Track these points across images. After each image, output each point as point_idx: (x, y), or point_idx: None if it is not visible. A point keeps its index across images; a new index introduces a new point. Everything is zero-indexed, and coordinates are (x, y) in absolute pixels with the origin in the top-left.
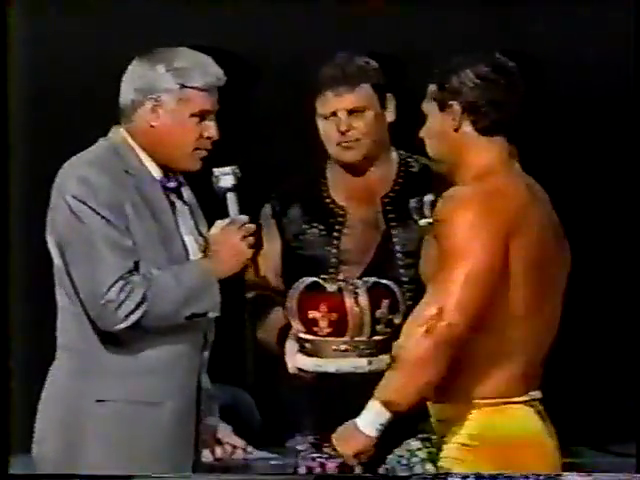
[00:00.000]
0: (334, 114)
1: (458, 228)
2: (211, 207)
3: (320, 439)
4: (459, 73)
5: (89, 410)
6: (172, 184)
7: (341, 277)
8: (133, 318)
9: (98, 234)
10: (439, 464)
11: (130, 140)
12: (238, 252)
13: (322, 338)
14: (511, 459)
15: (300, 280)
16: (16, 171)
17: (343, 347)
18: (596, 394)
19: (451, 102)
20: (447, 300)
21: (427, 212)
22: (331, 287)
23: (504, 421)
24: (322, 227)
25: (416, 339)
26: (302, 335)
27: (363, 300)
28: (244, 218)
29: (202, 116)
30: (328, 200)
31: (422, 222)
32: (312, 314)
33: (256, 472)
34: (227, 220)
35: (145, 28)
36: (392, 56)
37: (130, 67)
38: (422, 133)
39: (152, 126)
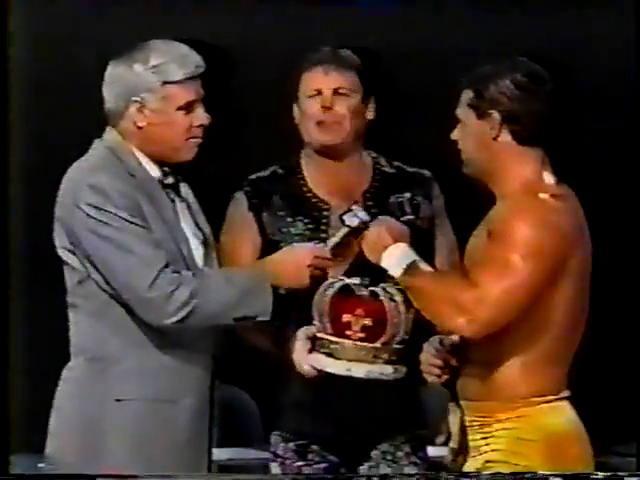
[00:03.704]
0: (319, 92)
1: (515, 242)
2: (210, 204)
3: (303, 445)
4: (497, 82)
5: (108, 409)
6: (170, 180)
7: (366, 281)
8: (183, 312)
9: (126, 233)
10: (487, 457)
11: (125, 141)
12: (299, 274)
13: (354, 342)
14: (562, 454)
15: (329, 281)
16: (16, 171)
17: (374, 353)
18: (596, 394)
19: (490, 111)
20: (480, 308)
21: (407, 209)
22: (363, 291)
23: (555, 417)
24: (307, 221)
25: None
26: (327, 336)
27: (402, 308)
28: (329, 254)
29: (189, 107)
30: (310, 194)
31: (404, 218)
32: (346, 317)
33: (256, 472)
34: (315, 243)
35: (145, 26)
36: (377, 55)
37: (107, 71)
38: (455, 136)
39: (140, 127)
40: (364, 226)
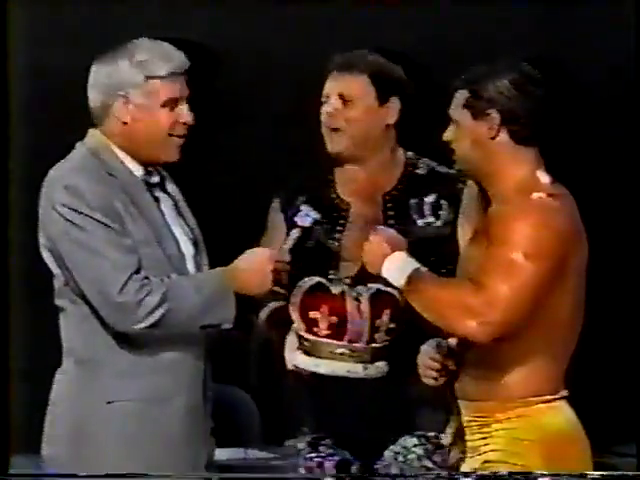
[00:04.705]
0: (328, 98)
1: (517, 242)
2: (198, 201)
3: (317, 438)
4: (495, 81)
5: (100, 412)
6: (155, 179)
7: (347, 280)
8: (152, 318)
9: (98, 237)
10: (486, 457)
11: (107, 141)
12: (261, 279)
13: (320, 339)
14: (560, 454)
15: (305, 279)
16: (16, 172)
17: (339, 351)
18: (596, 394)
19: (489, 111)
20: (491, 310)
21: (427, 212)
22: (335, 289)
23: (553, 417)
24: (325, 221)
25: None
26: (302, 333)
27: (365, 308)
28: (287, 257)
29: (172, 104)
30: (334, 195)
31: (421, 222)
32: (313, 314)
33: (256, 472)
34: (271, 250)
35: (144, 25)
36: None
37: (92, 69)
38: (447, 137)
39: (125, 123)
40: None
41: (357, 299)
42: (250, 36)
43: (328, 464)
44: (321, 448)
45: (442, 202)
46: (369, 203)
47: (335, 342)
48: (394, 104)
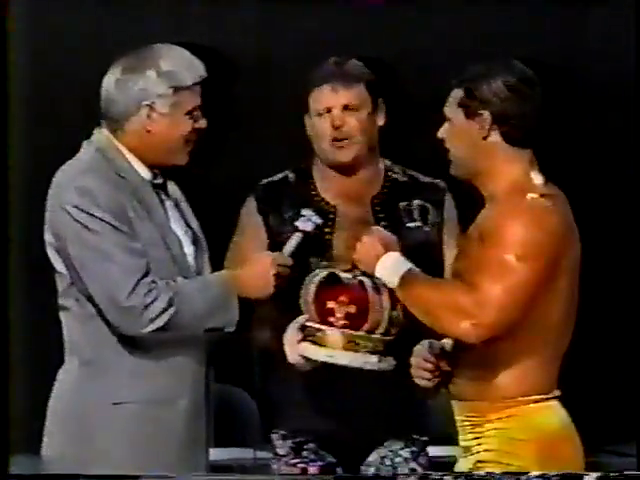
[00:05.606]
0: (329, 110)
1: (510, 242)
2: (199, 202)
3: (300, 443)
4: (489, 82)
5: (105, 413)
6: (159, 180)
7: (358, 272)
8: (159, 322)
9: (108, 240)
10: (479, 457)
11: (117, 143)
12: (264, 282)
13: (337, 329)
14: (554, 453)
15: (317, 270)
16: (16, 173)
17: (357, 341)
18: (596, 394)
19: (481, 111)
20: (483, 311)
21: (416, 216)
22: (349, 280)
23: (546, 417)
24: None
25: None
26: (313, 324)
27: (385, 298)
28: (290, 261)
29: (194, 112)
30: (317, 198)
31: (411, 225)
32: (330, 304)
33: (256, 472)
34: (274, 254)
35: (144, 26)
36: (383, 61)
37: (116, 75)
38: (442, 134)
39: (148, 131)
40: (312, 230)
41: (377, 289)
42: (251, 37)
43: (312, 469)
44: (304, 453)
45: (428, 206)
46: (356, 206)
47: (353, 332)
48: (382, 106)
